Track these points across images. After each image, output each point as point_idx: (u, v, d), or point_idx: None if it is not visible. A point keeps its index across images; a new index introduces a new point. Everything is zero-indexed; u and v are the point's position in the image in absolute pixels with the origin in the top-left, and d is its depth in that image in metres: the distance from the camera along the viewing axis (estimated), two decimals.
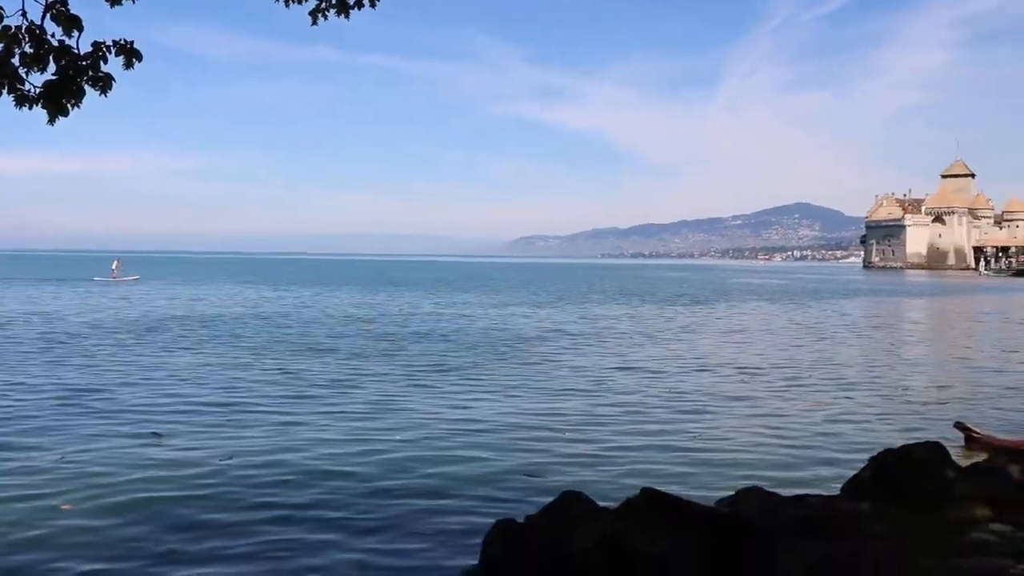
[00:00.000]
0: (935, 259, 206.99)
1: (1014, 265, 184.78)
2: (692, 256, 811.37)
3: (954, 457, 8.99)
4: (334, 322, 40.98)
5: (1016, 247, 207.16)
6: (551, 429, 16.11)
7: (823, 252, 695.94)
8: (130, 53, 6.75)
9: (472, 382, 22.05)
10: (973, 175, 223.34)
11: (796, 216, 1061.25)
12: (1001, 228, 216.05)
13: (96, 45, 6.69)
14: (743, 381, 23.08)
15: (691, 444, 15.06)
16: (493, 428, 16.11)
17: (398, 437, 14.93)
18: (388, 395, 19.72)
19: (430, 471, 12.73)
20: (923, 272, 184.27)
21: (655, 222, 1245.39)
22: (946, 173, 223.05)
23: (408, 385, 21.30)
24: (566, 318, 45.68)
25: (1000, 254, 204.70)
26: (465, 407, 18.29)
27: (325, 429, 15.69)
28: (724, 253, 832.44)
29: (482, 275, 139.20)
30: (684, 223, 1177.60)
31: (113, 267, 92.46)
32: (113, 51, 6.72)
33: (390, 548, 9.45)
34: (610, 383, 22.32)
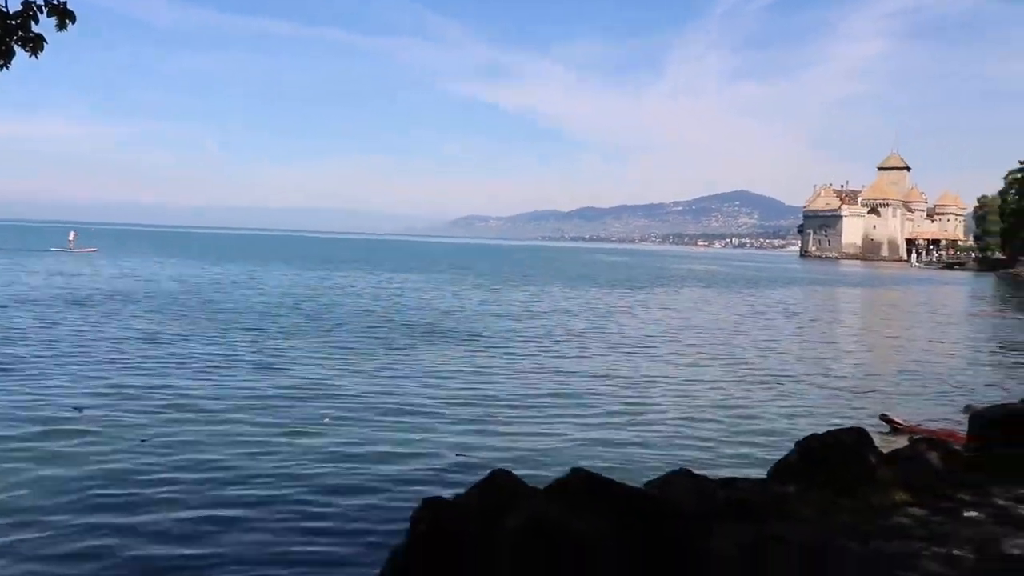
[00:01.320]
0: (869, 250, 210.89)
1: (944, 258, 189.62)
2: (632, 241, 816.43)
3: (877, 444, 9.22)
4: (265, 300, 40.50)
5: (946, 240, 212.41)
6: (484, 410, 16.18)
7: (762, 240, 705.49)
8: (63, 14, 6.57)
9: (406, 363, 21.99)
10: (908, 168, 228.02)
11: (736, 204, 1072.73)
12: (933, 221, 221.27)
13: (27, 4, 6.49)
14: (678, 367, 23.37)
15: (624, 427, 15.24)
16: (425, 408, 16.10)
17: (326, 420, 14.79)
18: (318, 375, 19.51)
19: (358, 451, 12.70)
20: (857, 262, 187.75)
21: (596, 206, 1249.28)
22: (882, 166, 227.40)
23: (338, 365, 21.12)
24: (506, 300, 45.75)
25: (931, 247, 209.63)
26: (396, 388, 18.23)
27: (251, 410, 15.47)
28: (664, 239, 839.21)
29: (422, 254, 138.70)
30: (625, 208, 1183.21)
31: (70, 238, 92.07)
32: (45, 11, 6.53)
33: (316, 527, 9.43)
34: (546, 366, 22.45)
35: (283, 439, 13.23)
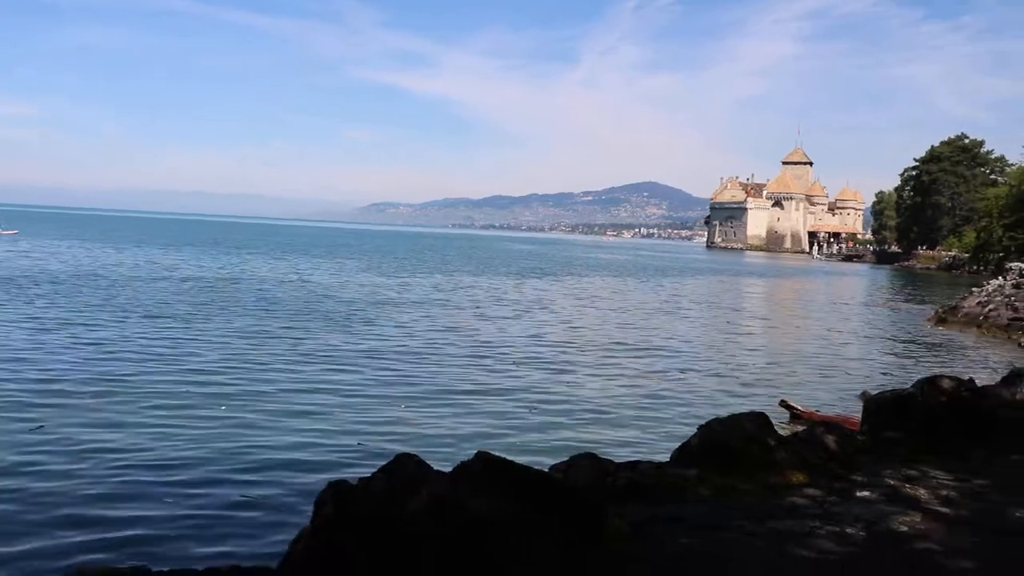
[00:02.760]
0: (773, 242, 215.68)
1: (844, 250, 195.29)
2: (542, 230, 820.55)
3: (778, 429, 9.49)
4: (168, 285, 39.55)
5: (846, 233, 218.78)
6: (391, 397, 16.12)
7: (670, 231, 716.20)
8: None
9: (311, 349, 21.75)
10: (811, 163, 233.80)
11: (645, 194, 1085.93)
12: (834, 215, 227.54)
13: None
14: (587, 355, 23.63)
15: (531, 413, 15.36)
16: (330, 396, 15.97)
17: (223, 406, 14.52)
18: (217, 361, 19.14)
19: (259, 439, 12.53)
20: (762, 254, 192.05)
21: (507, 195, 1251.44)
22: (787, 160, 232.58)
23: (239, 351, 20.74)
24: (415, 287, 45.58)
25: (832, 239, 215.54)
26: (302, 375, 18.01)
27: (150, 396, 15.12)
28: (574, 228, 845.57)
29: (331, 241, 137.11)
30: (535, 197, 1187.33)
31: None
32: None
33: (218, 514, 9.30)
34: (453, 352, 22.46)
35: (181, 426, 12.95)
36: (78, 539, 8.38)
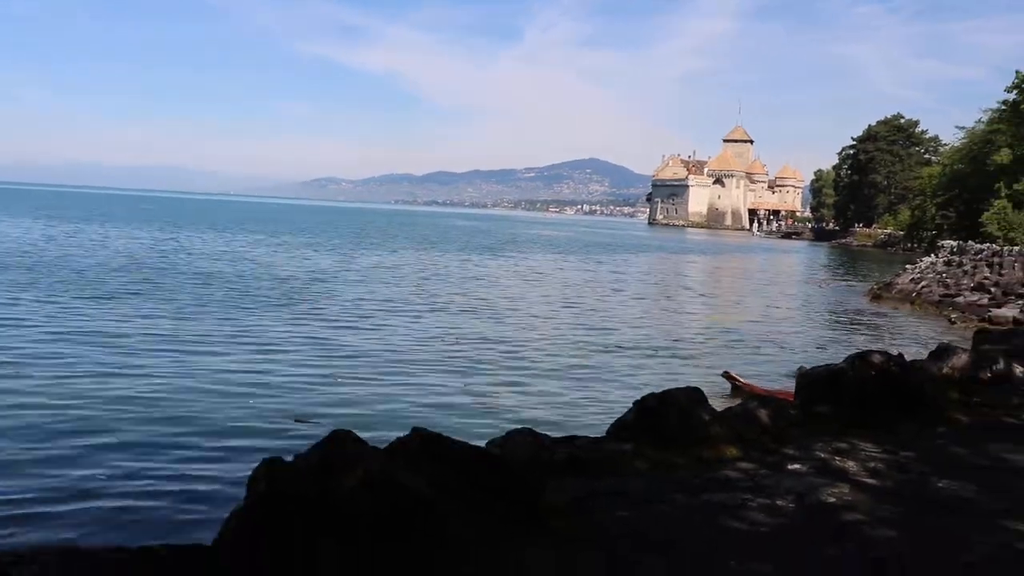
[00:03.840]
0: (714, 219, 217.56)
1: (783, 228, 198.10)
2: (485, 206, 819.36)
3: (717, 402, 9.61)
4: (97, 261, 38.70)
5: (786, 211, 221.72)
6: (328, 374, 16.04)
7: (612, 208, 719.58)
8: None
9: (247, 327, 21.50)
10: (751, 141, 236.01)
11: (588, 171, 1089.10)
12: (773, 192, 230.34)
13: None
14: (526, 332, 23.72)
15: (470, 389, 15.42)
16: (262, 373, 15.83)
17: (145, 386, 14.25)
18: (149, 341, 18.72)
19: (195, 418, 12.39)
20: (703, 231, 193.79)
21: (450, 171, 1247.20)
22: (727, 138, 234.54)
23: (172, 330, 20.38)
24: (356, 265, 45.27)
25: (771, 217, 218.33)
26: (235, 353, 17.81)
27: (82, 375, 14.87)
28: (516, 204, 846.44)
29: (268, 217, 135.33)
30: (478, 173, 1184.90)
31: None
32: None
33: (152, 491, 9.21)
34: (394, 331, 22.41)
35: (113, 405, 12.75)
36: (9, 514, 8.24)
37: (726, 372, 17.12)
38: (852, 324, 30.24)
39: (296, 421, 12.43)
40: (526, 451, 6.01)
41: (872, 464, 6.61)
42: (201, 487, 9.41)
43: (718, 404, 8.78)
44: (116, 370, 15.29)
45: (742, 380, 16.65)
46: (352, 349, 18.97)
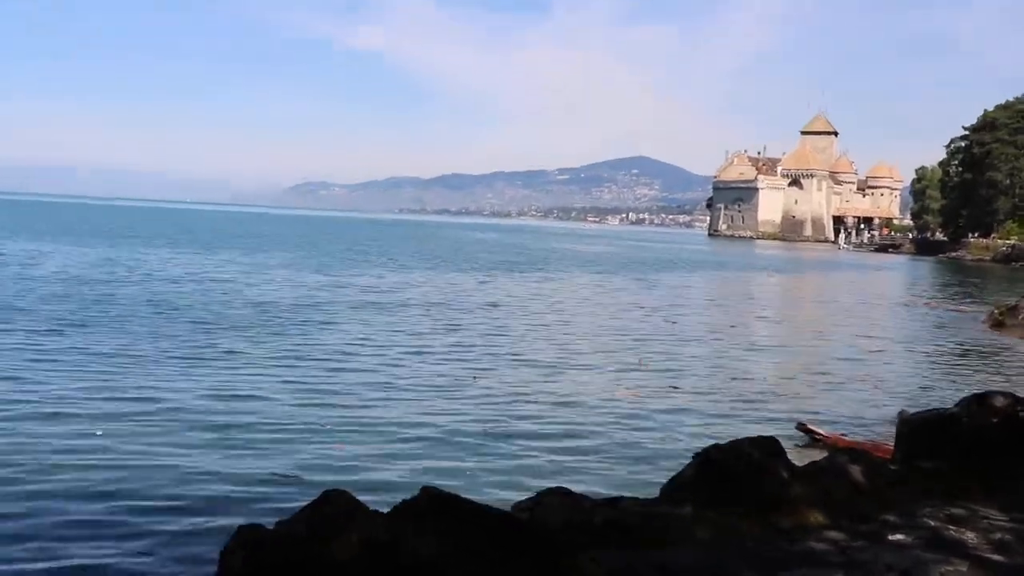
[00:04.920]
0: (790, 229, 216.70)
1: (877, 238, 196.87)
2: (509, 215, 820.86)
3: (795, 456, 9.49)
4: (37, 284, 38.97)
5: (880, 218, 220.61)
6: (318, 422, 16.03)
7: (663, 216, 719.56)
8: None
9: (220, 364, 21.58)
10: (836, 133, 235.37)
11: (634, 172, 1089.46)
12: (864, 196, 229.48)
13: None
14: (562, 370, 23.62)
15: (497, 442, 15.36)
16: (241, 422, 15.85)
17: (99, 432, 14.39)
18: (100, 380, 18.84)
19: (155, 472, 12.43)
20: (776, 243, 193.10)
21: (465, 172, 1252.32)
22: (806, 130, 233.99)
23: (130, 367, 20.50)
24: (352, 289, 45.30)
25: (862, 225, 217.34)
26: (205, 396, 17.84)
27: (34, 418, 15.09)
28: (547, 213, 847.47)
29: (248, 230, 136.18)
30: (500, 175, 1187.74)
31: None
32: None
33: (109, 563, 9.23)
34: (395, 366, 22.42)
35: (50, 458, 12.86)
36: None
37: (801, 423, 16.95)
38: (966, 358, 29.96)
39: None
40: (560, 515, 5.98)
41: (996, 535, 6.51)
42: (157, 558, 9.44)
43: (797, 458, 8.71)
44: (52, 411, 15.40)
45: (823, 432, 16.50)
46: (350, 389, 18.97)
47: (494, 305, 40.06)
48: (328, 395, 18.68)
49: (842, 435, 16.51)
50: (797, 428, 16.75)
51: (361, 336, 27.43)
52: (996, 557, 6.04)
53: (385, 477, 12.75)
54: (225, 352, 23.07)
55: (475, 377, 21.35)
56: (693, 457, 7.03)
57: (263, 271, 53.22)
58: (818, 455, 10.92)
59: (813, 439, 16.24)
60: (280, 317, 31.20)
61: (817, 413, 18.72)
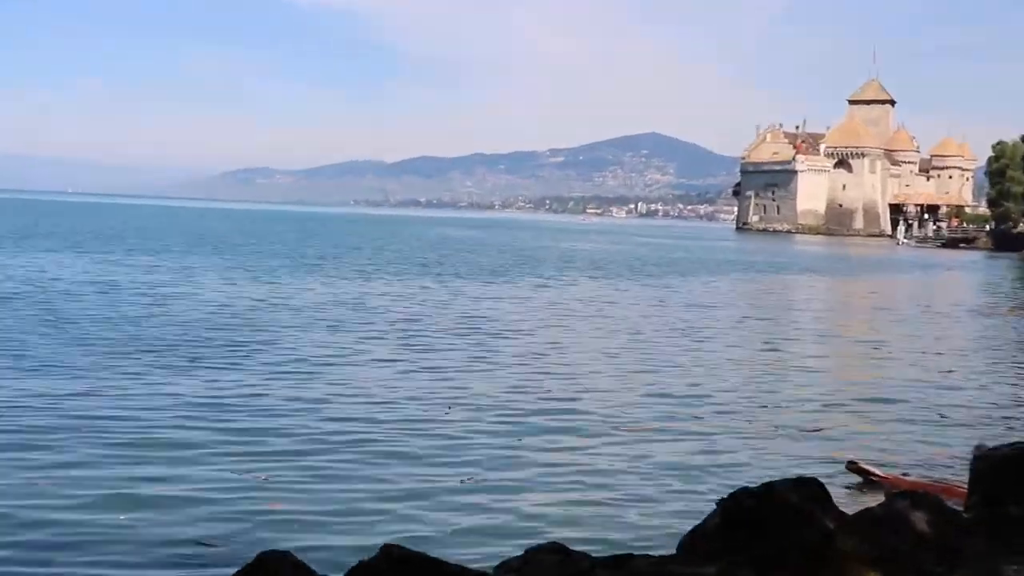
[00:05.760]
0: (837, 221, 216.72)
1: (945, 231, 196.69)
2: (491, 207, 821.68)
3: (844, 501, 9.41)
4: None
5: (949, 207, 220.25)
6: (250, 467, 16.00)
7: (680, 206, 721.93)
8: None
9: (129, 394, 21.49)
10: (893, 102, 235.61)
11: (643, 153, 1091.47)
12: (928, 179, 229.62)
13: None
14: (560, 397, 23.57)
15: (477, 487, 15.36)
16: (152, 475, 15.74)
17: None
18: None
19: (48, 538, 12.43)
20: (820, 238, 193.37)
21: (438, 155, 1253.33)
22: (855, 98, 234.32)
23: (42, 387, 20.63)
24: (301, 301, 45.14)
25: (926, 215, 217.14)
26: (106, 443, 17.69)
27: None
28: (538, 204, 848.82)
29: (171, 227, 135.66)
30: (480, 159, 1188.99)
31: None
32: None
33: None
34: (349, 399, 22.29)
35: None
36: None
37: (852, 462, 16.94)
38: None
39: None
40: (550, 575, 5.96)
41: None
42: None
43: (847, 504, 8.67)
44: None
45: (879, 472, 16.50)
46: (289, 435, 18.76)
47: (471, 317, 40.01)
48: (265, 436, 18.54)
49: (903, 475, 16.54)
50: (847, 467, 16.76)
51: (303, 360, 27.30)
52: None
53: (337, 534, 12.72)
54: (135, 384, 22.91)
55: (449, 408, 21.30)
56: (717, 504, 7.02)
57: (193, 278, 52.98)
58: (873, 500, 10.93)
59: (867, 480, 16.26)
60: (206, 333, 31.06)
61: (872, 449, 18.75)
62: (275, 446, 17.68)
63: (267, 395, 22.10)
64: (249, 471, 16.03)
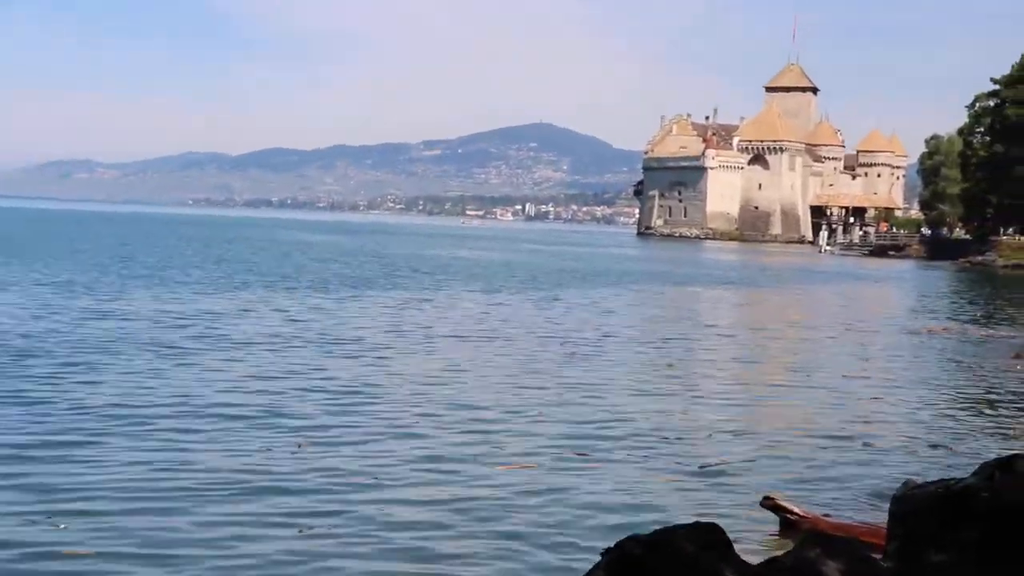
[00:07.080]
0: (752, 224, 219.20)
1: (872, 238, 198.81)
2: (357, 208, 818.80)
3: (752, 547, 9.46)
4: None
5: (877, 209, 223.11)
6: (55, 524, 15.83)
7: (575, 208, 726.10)
8: None
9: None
10: (815, 90, 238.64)
11: (532, 147, 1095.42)
12: (854, 178, 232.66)
13: None
14: (418, 428, 23.48)
15: (300, 534, 15.35)
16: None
17: None
18: None
19: None
20: (733, 245, 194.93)
21: (291, 147, 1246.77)
22: (773, 85, 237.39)
23: None
24: (117, 315, 44.61)
25: (852, 219, 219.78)
26: None
27: None
28: (411, 205, 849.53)
29: None
30: (343, 151, 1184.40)
31: None
32: None
33: None
34: (185, 430, 22.12)
35: None
36: None
37: (768, 497, 17.10)
38: (991, 405, 30.52)
39: None
40: None
41: None
42: None
43: (755, 549, 8.74)
44: None
45: (797, 509, 16.67)
46: (83, 490, 18.47)
47: (329, 340, 39.72)
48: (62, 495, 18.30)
49: (825, 515, 16.71)
50: (762, 504, 16.87)
51: (134, 387, 26.98)
52: None
53: None
54: None
55: (299, 446, 21.13)
56: (602, 554, 7.06)
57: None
58: (786, 545, 11.03)
59: (785, 519, 16.40)
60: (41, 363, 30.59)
61: (791, 483, 18.95)
62: (74, 504, 17.31)
63: (97, 424, 21.82)
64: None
